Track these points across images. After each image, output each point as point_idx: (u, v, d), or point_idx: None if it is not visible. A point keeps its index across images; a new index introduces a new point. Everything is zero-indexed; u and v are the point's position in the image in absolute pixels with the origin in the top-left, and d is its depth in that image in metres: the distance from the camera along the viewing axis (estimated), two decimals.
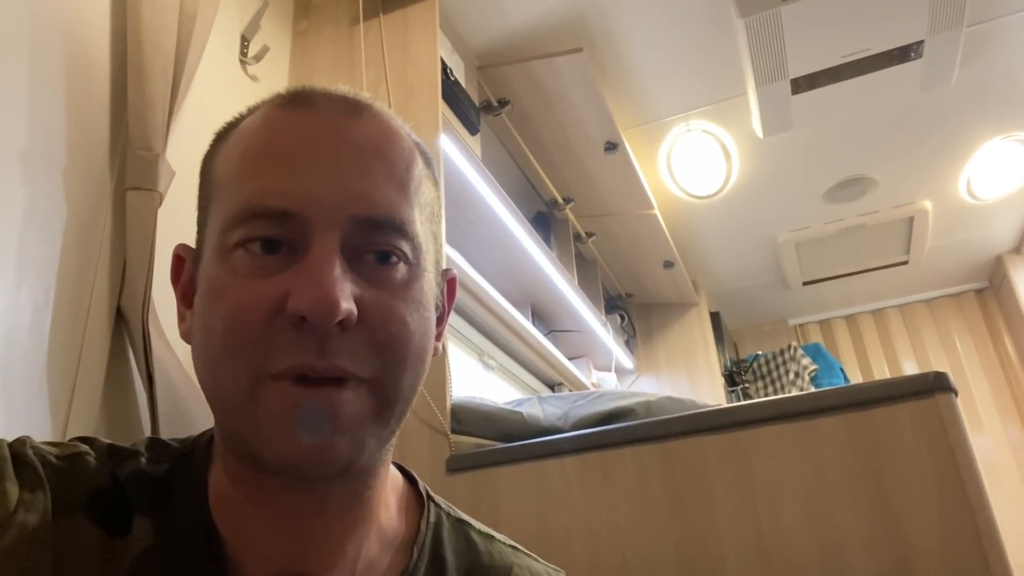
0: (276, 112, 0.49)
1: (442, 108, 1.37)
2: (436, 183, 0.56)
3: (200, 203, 0.52)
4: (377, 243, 0.46)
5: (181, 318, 0.52)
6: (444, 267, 0.58)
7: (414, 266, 0.48)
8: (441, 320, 0.56)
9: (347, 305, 0.42)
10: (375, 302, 0.45)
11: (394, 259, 0.47)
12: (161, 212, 0.93)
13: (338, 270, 0.43)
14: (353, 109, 0.49)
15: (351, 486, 0.50)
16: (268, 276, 0.44)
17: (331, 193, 0.45)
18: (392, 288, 0.47)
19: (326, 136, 0.47)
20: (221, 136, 0.53)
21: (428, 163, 0.54)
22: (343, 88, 0.51)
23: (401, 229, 0.47)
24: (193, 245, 0.53)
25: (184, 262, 0.53)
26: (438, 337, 0.54)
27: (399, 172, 0.49)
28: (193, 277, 0.51)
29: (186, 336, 0.51)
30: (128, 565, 0.46)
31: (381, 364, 0.45)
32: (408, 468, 0.62)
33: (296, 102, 0.49)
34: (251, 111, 0.52)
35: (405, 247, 0.48)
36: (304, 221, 0.44)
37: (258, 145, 0.48)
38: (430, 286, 0.51)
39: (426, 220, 0.51)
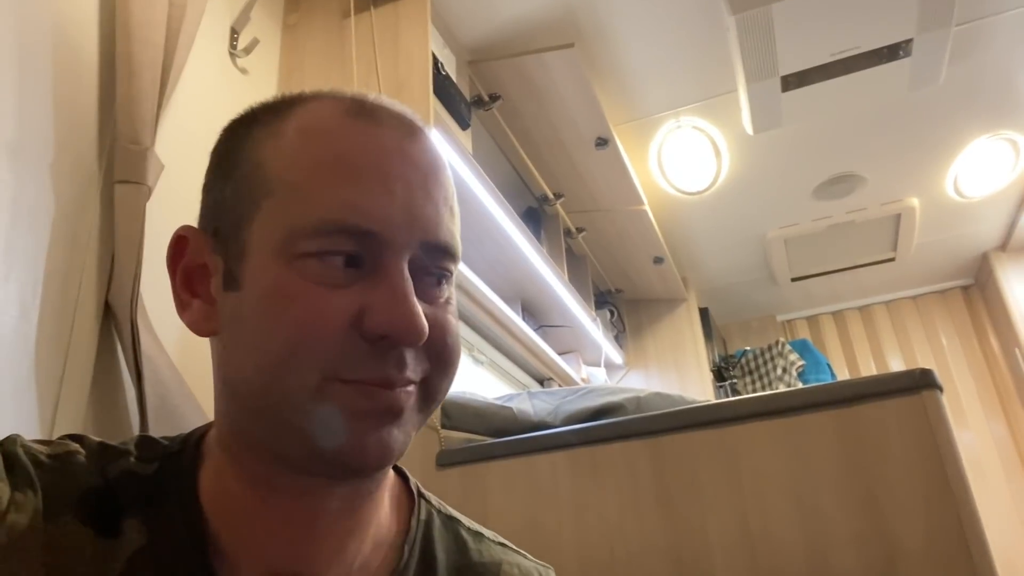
0: (344, 121, 0.49)
1: (433, 103, 1.37)
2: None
3: (239, 191, 0.48)
4: (437, 267, 0.50)
5: (184, 305, 0.50)
6: None
7: (451, 287, 0.52)
8: None
9: (427, 330, 0.46)
10: (434, 318, 0.48)
11: (445, 279, 0.51)
12: (149, 206, 0.93)
13: (414, 294, 0.46)
14: (411, 129, 0.51)
15: (364, 486, 0.51)
16: (339, 287, 0.45)
17: (406, 217, 0.47)
18: (443, 304, 0.50)
19: (395, 156, 0.48)
20: (263, 123, 0.50)
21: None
22: (395, 103, 0.52)
23: (455, 255, 0.51)
24: (200, 226, 0.51)
25: (188, 243, 0.50)
26: None
27: (450, 198, 0.52)
28: (201, 261, 0.49)
29: (197, 325, 0.49)
30: (120, 566, 0.45)
31: (431, 368, 0.49)
32: (399, 464, 0.62)
33: (361, 113, 0.49)
34: (297, 101, 0.50)
35: (453, 268, 0.51)
36: (382, 241, 0.46)
37: (332, 155, 0.47)
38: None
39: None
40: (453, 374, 0.52)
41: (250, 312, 0.46)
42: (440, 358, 0.49)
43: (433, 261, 0.49)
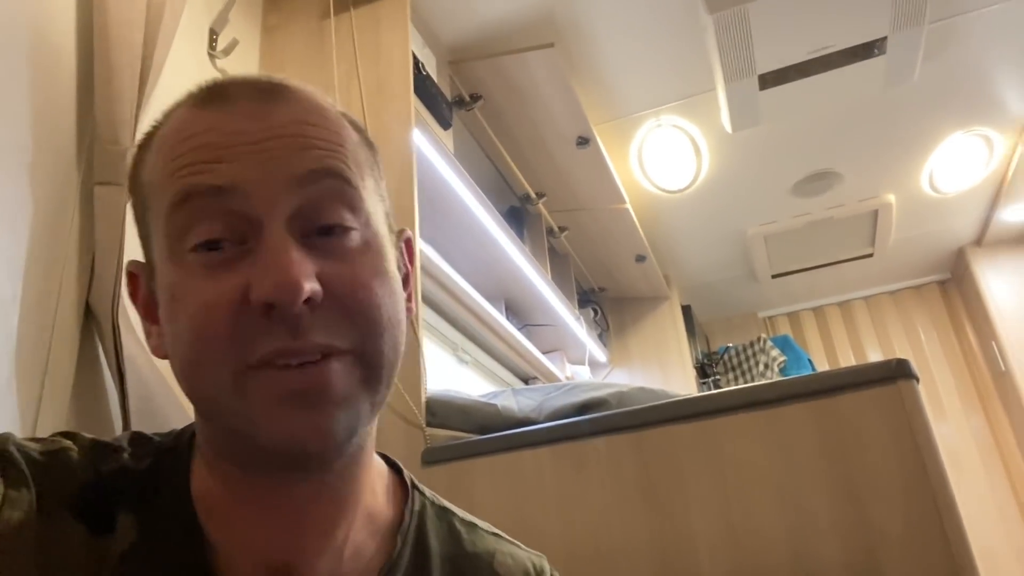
0: (194, 113, 0.48)
1: (414, 103, 1.37)
2: (372, 147, 0.55)
3: (137, 216, 0.51)
4: (324, 214, 0.46)
5: (148, 334, 0.51)
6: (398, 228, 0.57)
7: (365, 229, 0.48)
8: (407, 281, 0.55)
9: (310, 285, 0.42)
10: (336, 273, 0.45)
11: (345, 227, 0.47)
12: (130, 207, 0.92)
13: (294, 251, 0.43)
14: (271, 92, 0.48)
15: (340, 469, 0.50)
16: (225, 271, 0.44)
17: (263, 166, 0.45)
18: (351, 257, 0.46)
19: (249, 123, 0.46)
20: (142, 147, 0.51)
21: (359, 129, 0.53)
22: (258, 75, 0.51)
23: (342, 175, 0.47)
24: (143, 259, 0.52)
25: (139, 278, 0.52)
26: (409, 299, 0.53)
27: (330, 134, 0.49)
28: (151, 291, 0.50)
29: (157, 351, 0.50)
30: (113, 562, 0.45)
31: (358, 332, 0.45)
32: (392, 457, 0.63)
33: (211, 99, 0.48)
34: (167, 116, 0.51)
35: (352, 207, 0.47)
36: (243, 199, 0.44)
37: (180, 143, 0.47)
38: (388, 248, 0.50)
39: (368, 179, 0.51)
40: (384, 332, 0.46)
41: (164, 325, 0.47)
42: (359, 317, 0.45)
43: (318, 205, 0.46)
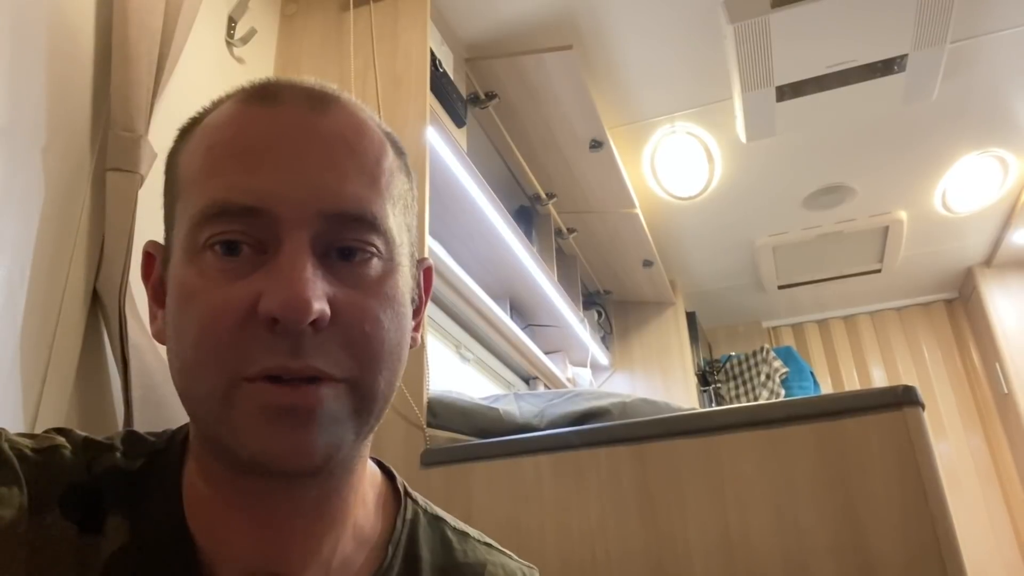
0: (241, 108, 0.48)
1: (430, 100, 1.37)
2: (409, 173, 0.55)
3: (166, 201, 0.51)
4: (348, 239, 0.46)
5: (153, 317, 0.51)
6: (420, 256, 0.57)
7: (388, 261, 0.48)
8: (418, 312, 0.55)
9: (319, 306, 0.42)
10: (348, 301, 0.45)
11: (367, 255, 0.47)
12: (142, 194, 0.92)
13: (309, 270, 0.43)
14: (320, 102, 0.49)
15: (328, 484, 0.50)
16: (239, 278, 0.44)
17: (299, 189, 0.45)
18: (366, 286, 0.46)
19: (293, 131, 0.46)
20: (185, 132, 0.52)
21: (400, 153, 0.53)
22: (310, 80, 0.51)
23: (372, 223, 0.47)
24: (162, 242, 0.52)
25: (154, 259, 0.52)
26: (416, 328, 0.54)
27: (369, 165, 0.48)
28: (163, 276, 0.50)
29: (159, 336, 0.50)
30: (102, 563, 0.45)
31: (356, 364, 0.45)
32: (386, 463, 0.62)
33: (261, 97, 0.48)
34: (215, 105, 0.51)
35: (377, 242, 0.47)
36: (272, 218, 0.44)
37: (223, 142, 0.47)
38: (405, 280, 0.50)
39: (399, 213, 0.51)
40: (382, 368, 0.46)
41: (168, 317, 0.47)
42: (360, 349, 0.45)
43: (342, 233, 0.46)
